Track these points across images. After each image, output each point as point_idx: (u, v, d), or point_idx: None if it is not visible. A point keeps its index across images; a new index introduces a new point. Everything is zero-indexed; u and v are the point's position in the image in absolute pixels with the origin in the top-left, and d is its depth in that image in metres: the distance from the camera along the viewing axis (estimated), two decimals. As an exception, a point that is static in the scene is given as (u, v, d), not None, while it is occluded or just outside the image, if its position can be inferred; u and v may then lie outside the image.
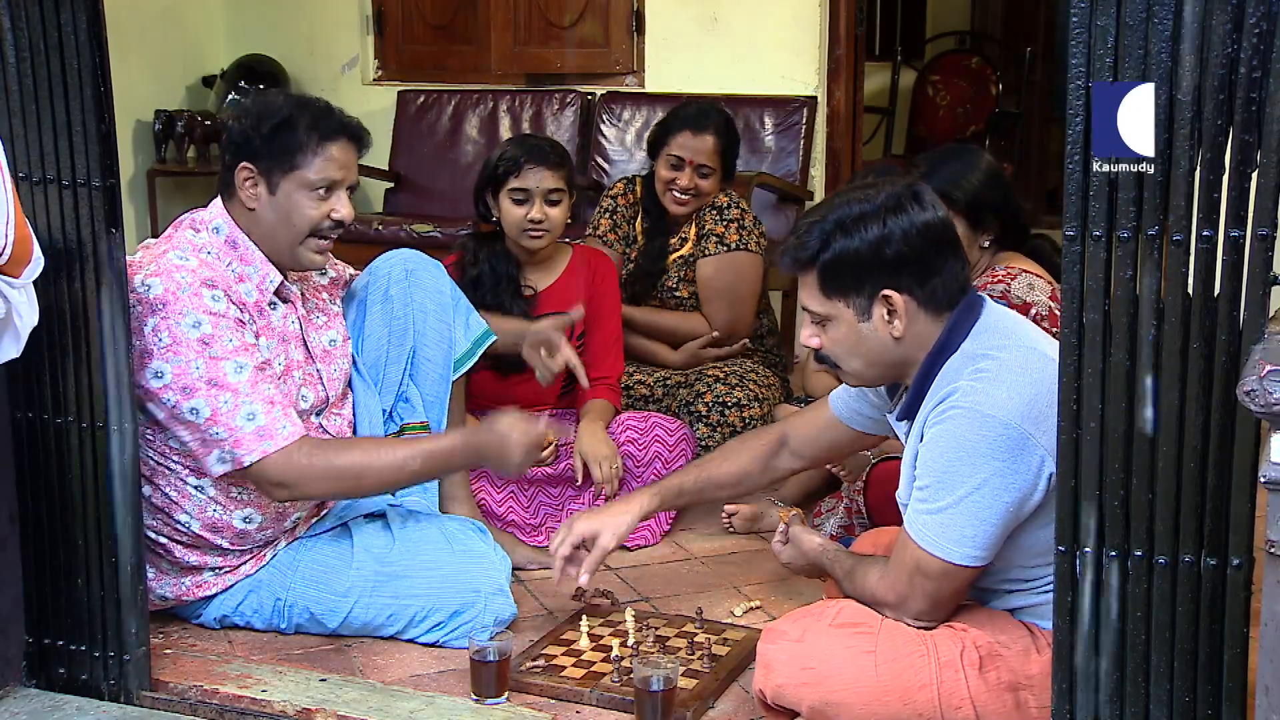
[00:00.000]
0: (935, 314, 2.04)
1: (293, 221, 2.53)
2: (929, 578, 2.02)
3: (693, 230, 3.69)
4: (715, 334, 3.67)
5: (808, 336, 2.12)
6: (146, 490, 2.51)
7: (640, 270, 3.71)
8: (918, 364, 2.07)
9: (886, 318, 2.02)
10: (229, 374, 2.42)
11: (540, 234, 3.23)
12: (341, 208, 2.56)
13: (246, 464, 2.43)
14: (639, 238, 3.75)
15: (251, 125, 2.52)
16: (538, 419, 2.60)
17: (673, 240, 3.71)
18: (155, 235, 2.67)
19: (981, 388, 1.97)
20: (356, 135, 2.58)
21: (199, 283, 2.45)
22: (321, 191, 2.54)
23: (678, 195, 3.63)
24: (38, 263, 2.18)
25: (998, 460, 1.94)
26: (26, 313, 2.20)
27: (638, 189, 3.79)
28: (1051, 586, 1.85)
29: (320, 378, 2.66)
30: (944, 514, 1.98)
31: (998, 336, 2.04)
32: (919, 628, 2.06)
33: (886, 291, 2.01)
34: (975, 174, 2.76)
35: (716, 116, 3.68)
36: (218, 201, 2.59)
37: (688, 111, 3.70)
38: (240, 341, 2.46)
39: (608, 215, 3.78)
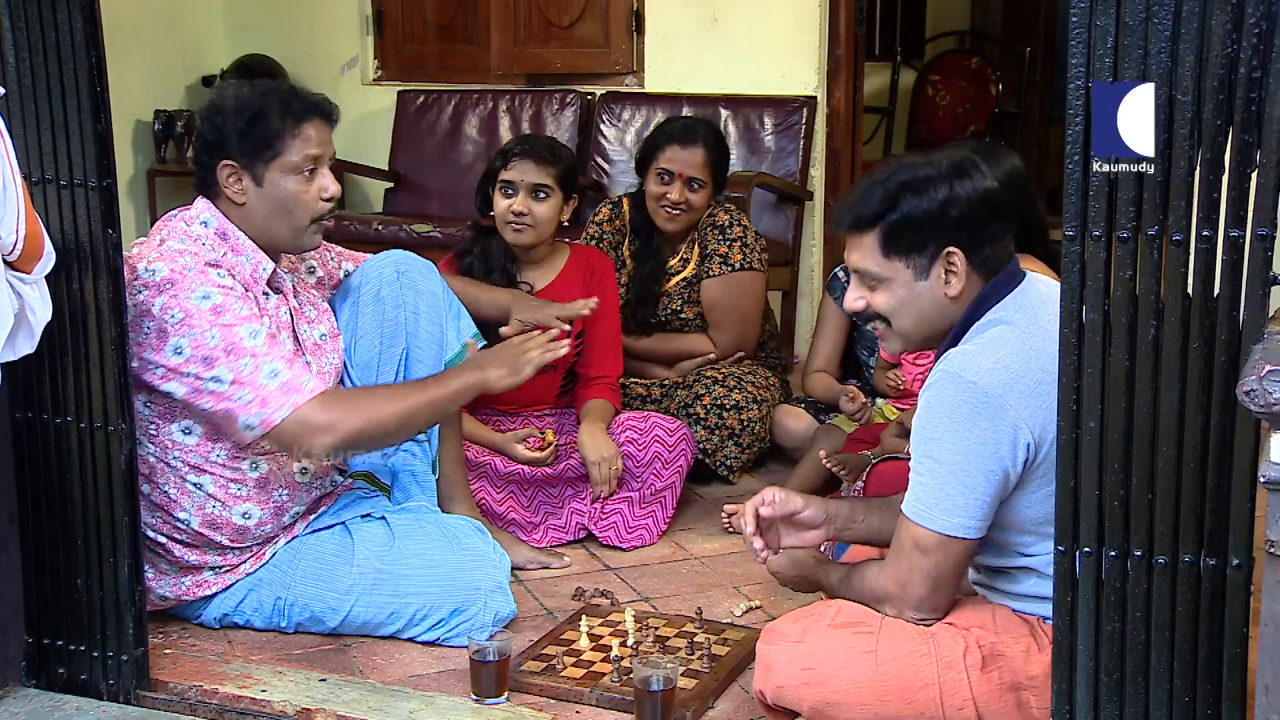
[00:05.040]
0: (983, 280, 2.08)
1: (291, 211, 2.57)
2: (925, 553, 2.01)
3: (695, 251, 3.68)
4: (712, 355, 3.67)
5: (854, 300, 2.12)
6: (145, 488, 2.52)
7: (636, 297, 3.67)
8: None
9: (944, 277, 2.05)
10: (244, 339, 2.43)
11: (522, 227, 3.22)
12: (329, 185, 2.60)
13: (277, 421, 2.42)
14: (628, 261, 3.72)
15: (224, 122, 2.54)
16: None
17: (673, 261, 3.69)
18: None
19: (970, 352, 2.00)
20: (326, 112, 2.61)
21: (203, 263, 2.48)
22: (306, 173, 2.56)
23: (669, 210, 3.60)
24: (49, 258, 2.19)
25: (977, 425, 1.95)
26: (40, 309, 2.20)
27: (625, 211, 3.75)
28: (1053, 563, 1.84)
29: (310, 371, 2.66)
30: (933, 483, 1.99)
31: (1018, 311, 2.05)
32: (919, 621, 2.06)
33: (950, 249, 2.03)
34: (995, 173, 2.76)
35: (704, 129, 3.66)
36: (201, 199, 2.60)
37: (674, 126, 3.68)
38: (250, 310, 2.48)
39: (593, 242, 3.72)
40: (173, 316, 2.43)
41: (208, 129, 2.57)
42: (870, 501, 2.30)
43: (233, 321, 2.44)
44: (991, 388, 1.95)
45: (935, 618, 2.06)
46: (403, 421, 2.55)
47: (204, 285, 2.45)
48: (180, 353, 2.42)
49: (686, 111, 4.78)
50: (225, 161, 2.54)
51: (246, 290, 2.52)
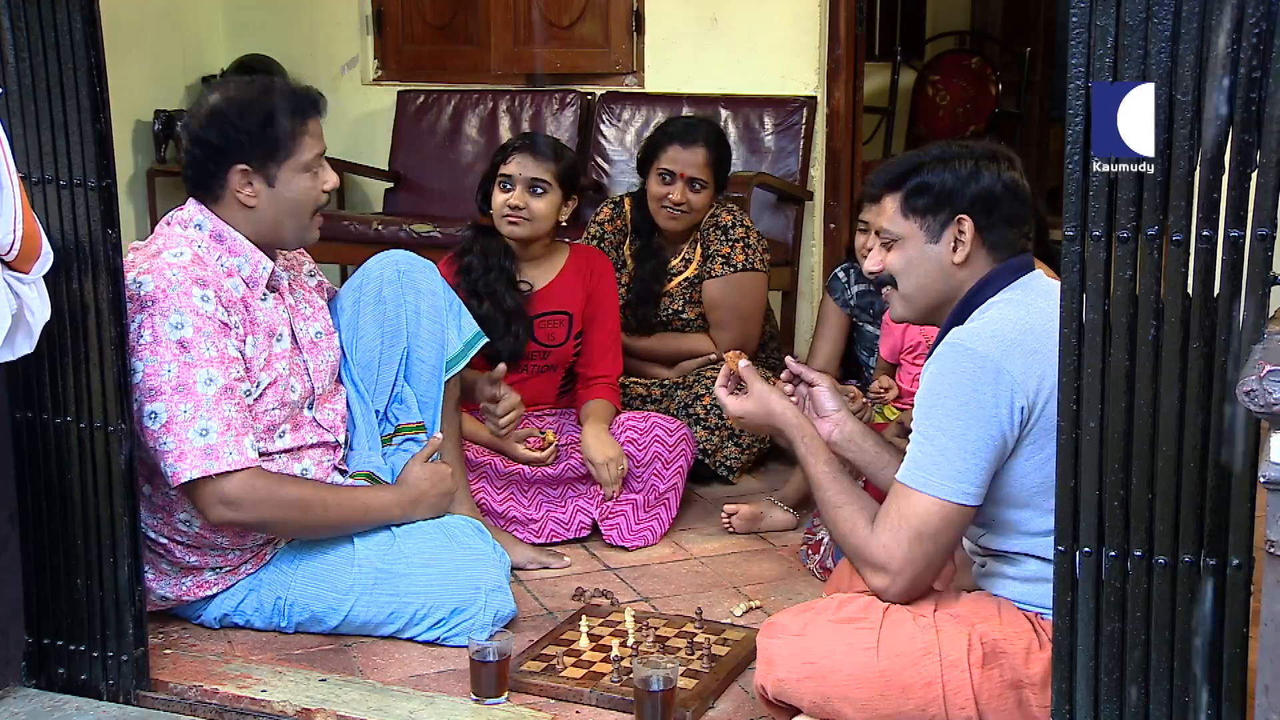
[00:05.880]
0: (992, 258, 2.16)
1: (301, 205, 2.59)
2: (923, 522, 2.01)
3: (697, 251, 3.68)
4: (713, 356, 3.67)
5: (874, 261, 2.23)
6: (146, 489, 2.52)
7: (637, 297, 3.67)
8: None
9: (953, 243, 2.14)
10: (198, 383, 2.42)
11: (518, 221, 3.22)
12: (330, 177, 2.63)
13: (183, 480, 2.42)
14: (629, 261, 3.73)
15: (234, 127, 2.52)
16: (446, 465, 2.76)
17: (675, 261, 3.69)
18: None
19: (969, 327, 2.09)
20: (320, 106, 2.63)
21: (190, 281, 2.45)
22: (315, 170, 2.59)
23: (670, 210, 3.60)
24: (47, 257, 2.18)
25: (978, 390, 2.01)
26: (38, 308, 2.20)
27: (627, 211, 3.75)
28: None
29: (307, 368, 2.67)
30: (934, 450, 2.02)
31: (1019, 294, 2.13)
32: (902, 599, 2.07)
33: (962, 216, 2.13)
34: None
35: (705, 129, 3.66)
36: (192, 202, 2.59)
37: (676, 126, 3.68)
38: (218, 352, 2.45)
39: (595, 242, 3.73)
40: (141, 338, 2.42)
41: (213, 135, 2.53)
42: (882, 440, 2.35)
43: (194, 362, 2.43)
44: (989, 353, 2.02)
45: (914, 597, 2.07)
46: (309, 526, 2.58)
47: (181, 311, 2.43)
48: (133, 374, 2.41)
49: (686, 112, 4.78)
50: (239, 166, 2.53)
51: (230, 311, 2.50)
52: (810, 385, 2.36)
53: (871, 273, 2.24)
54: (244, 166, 2.53)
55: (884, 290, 2.25)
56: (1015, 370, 2.00)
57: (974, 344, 2.04)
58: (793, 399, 2.35)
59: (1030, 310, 2.08)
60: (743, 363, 2.31)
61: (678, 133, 3.62)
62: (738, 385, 2.33)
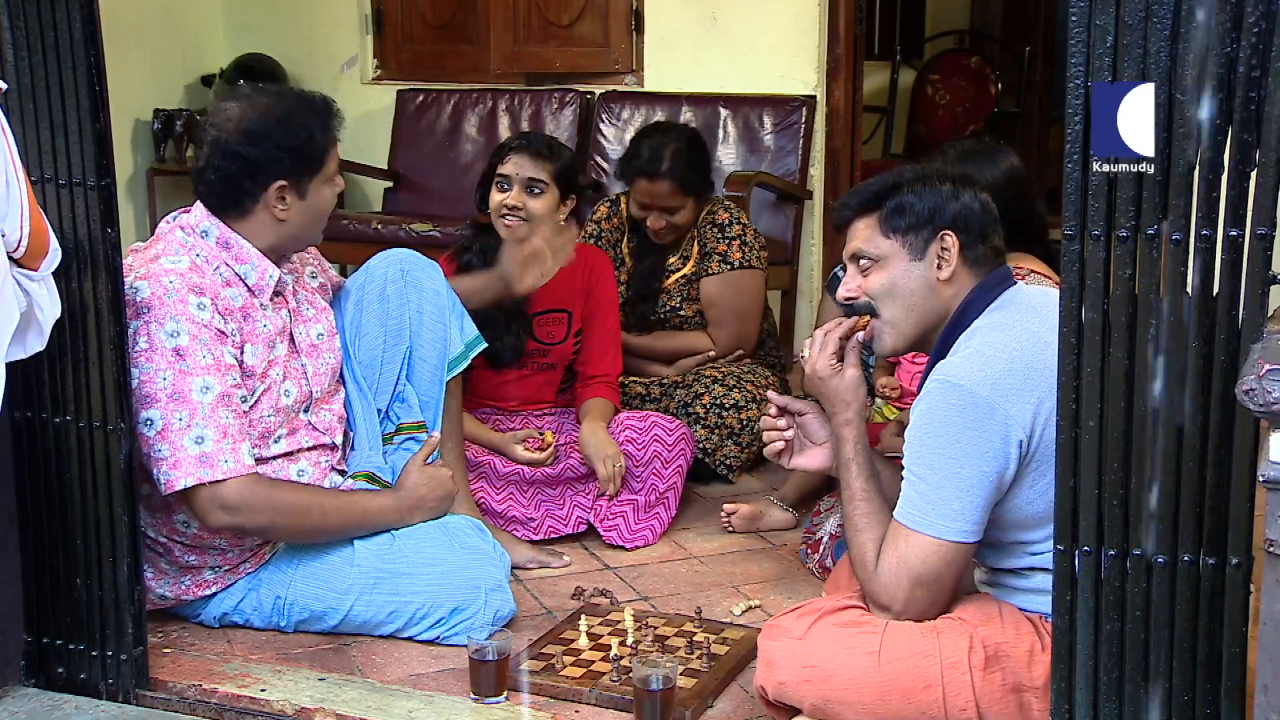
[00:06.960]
0: (973, 275, 2.15)
1: (323, 214, 2.64)
2: (925, 569, 2.01)
3: (695, 249, 3.68)
4: (712, 353, 3.67)
5: (849, 289, 2.19)
6: (145, 489, 2.51)
7: (636, 294, 3.68)
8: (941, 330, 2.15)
9: (937, 260, 2.13)
10: (193, 391, 2.42)
11: (514, 222, 3.21)
12: (340, 181, 2.67)
13: (178, 487, 2.42)
14: (627, 259, 3.73)
15: (277, 144, 2.50)
16: (445, 469, 2.75)
17: (672, 259, 3.70)
18: (153, 234, 2.67)
19: (957, 360, 2.05)
20: (340, 116, 2.64)
21: (186, 289, 2.45)
22: (336, 179, 2.63)
23: (654, 232, 3.62)
24: (55, 254, 2.18)
25: (969, 429, 1.98)
26: (47, 305, 2.19)
27: (623, 209, 3.75)
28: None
29: (305, 373, 2.67)
30: (928, 489, 2.01)
31: (1002, 314, 2.10)
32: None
33: (945, 232, 2.13)
34: (993, 172, 2.78)
35: (670, 156, 3.54)
36: (200, 206, 2.58)
37: (641, 157, 3.57)
38: (214, 359, 2.45)
39: (592, 240, 3.73)
40: (137, 344, 2.42)
41: (253, 151, 2.50)
42: (878, 457, 2.32)
43: (190, 369, 2.43)
44: (979, 389, 1.99)
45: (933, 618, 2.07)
46: (307, 531, 2.58)
47: (177, 319, 2.43)
48: (130, 380, 2.40)
49: (686, 111, 4.79)
50: (279, 184, 2.52)
51: (228, 319, 2.50)
52: (799, 414, 2.34)
53: (848, 299, 2.19)
54: (283, 182, 2.53)
55: (864, 326, 2.19)
56: (1010, 407, 1.98)
57: (963, 380, 2.00)
58: (786, 431, 2.33)
59: (1016, 332, 2.05)
60: (860, 335, 2.22)
61: (643, 165, 3.55)
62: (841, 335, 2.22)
